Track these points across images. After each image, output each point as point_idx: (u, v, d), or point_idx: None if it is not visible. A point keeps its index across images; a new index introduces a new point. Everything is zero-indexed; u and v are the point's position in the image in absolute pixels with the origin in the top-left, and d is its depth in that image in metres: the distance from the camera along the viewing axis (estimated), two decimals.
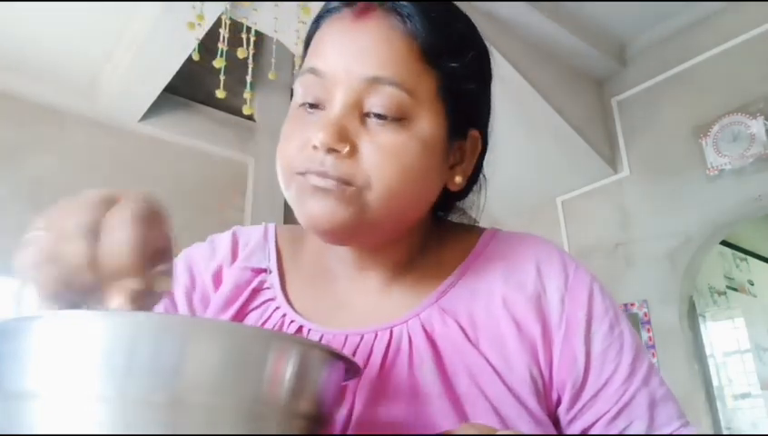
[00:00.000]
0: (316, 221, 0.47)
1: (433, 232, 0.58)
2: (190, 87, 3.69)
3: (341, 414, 0.47)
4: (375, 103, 0.46)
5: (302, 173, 0.47)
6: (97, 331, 0.28)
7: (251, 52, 2.31)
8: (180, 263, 0.59)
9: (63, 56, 3.20)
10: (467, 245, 0.57)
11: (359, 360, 0.48)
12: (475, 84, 0.53)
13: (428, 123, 0.48)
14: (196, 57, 2.31)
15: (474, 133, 0.55)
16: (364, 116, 0.47)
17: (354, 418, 0.46)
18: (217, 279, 0.58)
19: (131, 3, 2.82)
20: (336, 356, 0.33)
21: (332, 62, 0.48)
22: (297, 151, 0.48)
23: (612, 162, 3.39)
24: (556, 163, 3.31)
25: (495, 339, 0.50)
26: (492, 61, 0.57)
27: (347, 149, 0.45)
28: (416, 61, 0.47)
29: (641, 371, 0.50)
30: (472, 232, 0.59)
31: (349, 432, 0.46)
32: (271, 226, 0.63)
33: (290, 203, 0.50)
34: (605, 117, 3.51)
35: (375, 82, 0.46)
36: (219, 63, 2.20)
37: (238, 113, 3.91)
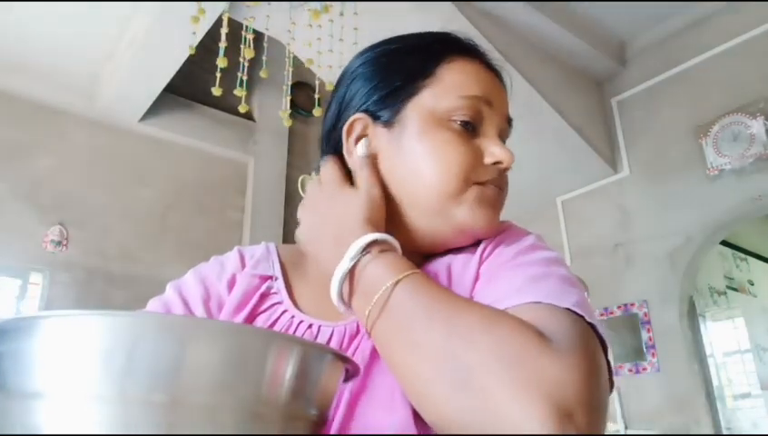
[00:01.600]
0: (486, 226, 0.55)
1: None
2: (190, 87, 3.69)
3: (350, 391, 0.46)
4: (504, 135, 0.61)
5: (482, 183, 0.55)
6: (97, 332, 0.28)
7: (245, 50, 2.31)
8: (191, 278, 0.61)
9: (63, 56, 3.20)
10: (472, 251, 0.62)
11: (368, 345, 0.49)
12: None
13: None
14: (192, 51, 2.30)
15: None
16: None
17: (339, 410, 0.46)
18: (231, 284, 0.61)
19: (131, 3, 2.83)
20: (335, 356, 0.33)
21: (495, 96, 0.59)
22: (472, 164, 0.55)
23: (612, 162, 3.39)
24: (556, 163, 3.32)
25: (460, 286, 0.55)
26: None
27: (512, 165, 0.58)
28: None
29: (541, 269, 0.48)
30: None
31: (352, 424, 0.45)
32: (272, 243, 0.67)
33: (456, 206, 0.54)
34: (605, 117, 3.51)
35: (509, 121, 0.62)
36: (222, 62, 2.20)
37: (238, 113, 3.91)
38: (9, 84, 3.22)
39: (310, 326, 0.55)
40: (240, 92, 2.26)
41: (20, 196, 3.12)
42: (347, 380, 0.35)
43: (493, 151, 0.56)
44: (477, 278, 0.53)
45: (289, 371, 0.30)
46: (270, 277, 0.61)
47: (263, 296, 0.59)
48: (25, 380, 0.29)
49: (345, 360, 0.34)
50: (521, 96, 3.02)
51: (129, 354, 0.28)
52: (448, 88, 0.57)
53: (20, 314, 0.29)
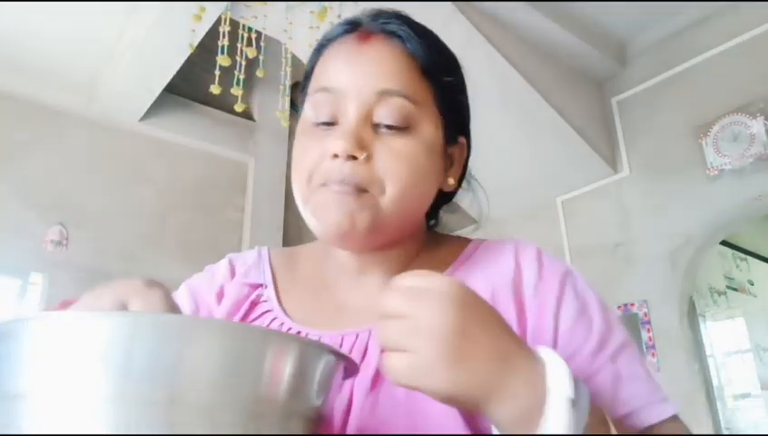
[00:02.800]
0: (339, 227, 0.51)
1: (426, 240, 0.62)
2: (190, 87, 3.69)
3: (339, 412, 0.47)
4: (385, 113, 0.52)
5: (324, 184, 0.51)
6: (96, 332, 0.28)
7: (240, 48, 2.32)
8: (182, 291, 0.62)
9: (62, 56, 3.20)
10: (456, 252, 0.61)
11: (354, 358, 0.49)
12: (462, 96, 0.61)
13: (429, 131, 0.54)
14: (192, 49, 2.30)
15: (462, 139, 0.61)
16: (375, 126, 0.52)
17: (352, 415, 0.46)
18: (220, 295, 0.61)
19: (131, 3, 2.83)
20: (333, 354, 0.33)
21: (343, 79, 0.53)
22: (315, 164, 0.52)
23: (612, 162, 3.39)
24: (556, 163, 3.31)
25: None
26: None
27: (364, 155, 0.50)
28: (417, 76, 0.54)
29: (609, 348, 0.51)
30: (460, 241, 0.63)
31: (347, 431, 0.46)
32: (264, 248, 0.67)
33: (309, 215, 0.53)
34: (605, 117, 3.51)
35: (384, 94, 0.52)
36: (225, 61, 2.20)
37: (238, 113, 3.91)
38: (8, 84, 3.22)
39: (298, 333, 0.55)
40: (237, 90, 2.26)
41: (20, 196, 3.12)
42: (345, 378, 0.35)
43: (329, 144, 0.51)
44: (520, 311, 0.53)
45: (287, 369, 0.30)
46: (261, 285, 0.61)
47: (253, 304, 0.59)
48: (25, 380, 0.29)
49: (343, 357, 0.34)
50: (521, 96, 3.02)
51: (128, 354, 0.28)
52: (310, 86, 0.56)
53: (19, 316, 0.29)
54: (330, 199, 0.51)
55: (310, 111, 0.54)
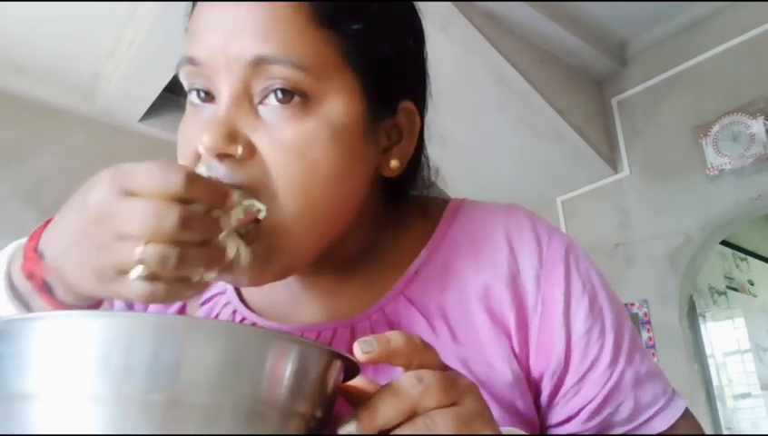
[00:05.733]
0: (228, 279, 0.39)
1: (387, 219, 0.51)
2: None
3: None
4: (265, 89, 0.38)
5: None
6: (95, 331, 0.28)
7: None
8: None
9: (63, 56, 3.20)
10: (430, 226, 0.51)
11: None
12: (391, 45, 0.43)
13: (338, 104, 0.40)
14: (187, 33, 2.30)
15: (407, 105, 0.46)
16: (257, 106, 0.39)
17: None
18: None
19: (131, 3, 2.82)
20: (335, 355, 0.33)
21: (208, 45, 0.39)
22: (188, 162, 0.40)
23: (612, 162, 3.39)
24: (556, 163, 3.31)
25: (473, 340, 0.46)
26: (421, 17, 0.47)
27: (240, 150, 0.37)
28: (308, 28, 0.38)
29: (624, 349, 0.48)
30: (434, 208, 0.52)
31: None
32: None
33: None
34: (605, 117, 3.51)
35: (260, 62, 0.38)
36: None
37: None
38: (9, 84, 3.22)
39: (254, 325, 0.49)
40: None
41: (20, 196, 3.12)
42: (346, 379, 0.35)
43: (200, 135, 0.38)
44: (520, 312, 0.46)
45: (287, 370, 0.30)
46: None
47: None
48: (24, 380, 0.29)
49: (343, 358, 0.34)
50: (521, 96, 3.02)
51: (127, 354, 0.28)
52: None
53: (17, 315, 0.29)
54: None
55: (184, 85, 0.42)
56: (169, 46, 2.96)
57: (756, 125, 2.85)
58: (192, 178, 0.32)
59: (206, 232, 0.33)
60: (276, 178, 0.38)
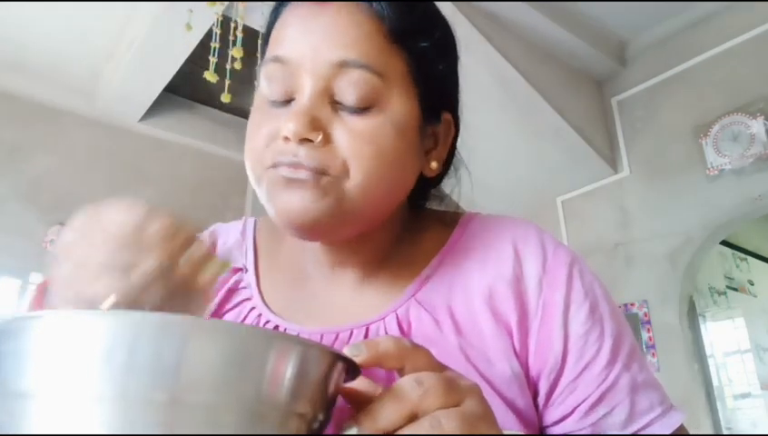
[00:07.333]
0: (291, 215, 0.44)
1: (409, 224, 0.56)
2: (190, 87, 3.69)
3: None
4: (345, 88, 0.44)
5: (274, 166, 0.45)
6: (97, 331, 0.28)
7: (218, 33, 2.33)
8: None
9: (63, 56, 3.20)
10: (444, 234, 0.55)
11: None
12: (444, 64, 0.51)
13: (400, 107, 0.46)
14: (189, 29, 2.31)
15: (447, 115, 0.53)
16: (335, 103, 0.45)
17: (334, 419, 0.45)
18: None
19: (131, 3, 2.82)
20: (336, 356, 0.33)
21: (298, 48, 0.45)
22: (265, 144, 0.46)
23: (612, 162, 3.39)
24: (556, 163, 3.32)
25: (475, 335, 0.48)
26: (457, 42, 0.55)
27: (320, 138, 0.44)
28: (384, 42, 0.46)
29: (622, 355, 0.49)
30: (450, 219, 0.57)
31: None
32: (251, 221, 0.62)
33: (262, 200, 0.48)
34: (605, 117, 3.51)
35: (343, 66, 0.44)
36: (237, 52, 2.21)
37: (238, 113, 3.91)
38: (9, 84, 3.22)
39: (276, 329, 0.51)
40: (210, 76, 2.23)
41: (20, 196, 3.12)
42: (347, 380, 0.35)
43: (283, 124, 0.44)
44: (522, 312, 0.49)
45: (290, 371, 0.30)
46: (241, 269, 0.57)
47: (231, 291, 0.56)
48: (25, 380, 0.29)
49: (345, 360, 0.34)
50: (521, 96, 3.02)
51: (129, 354, 0.28)
52: (267, 52, 0.49)
53: (20, 314, 0.29)
54: (281, 183, 0.44)
55: (264, 83, 0.47)
56: (169, 46, 2.97)
57: (756, 125, 2.85)
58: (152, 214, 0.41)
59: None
60: (349, 160, 0.44)
